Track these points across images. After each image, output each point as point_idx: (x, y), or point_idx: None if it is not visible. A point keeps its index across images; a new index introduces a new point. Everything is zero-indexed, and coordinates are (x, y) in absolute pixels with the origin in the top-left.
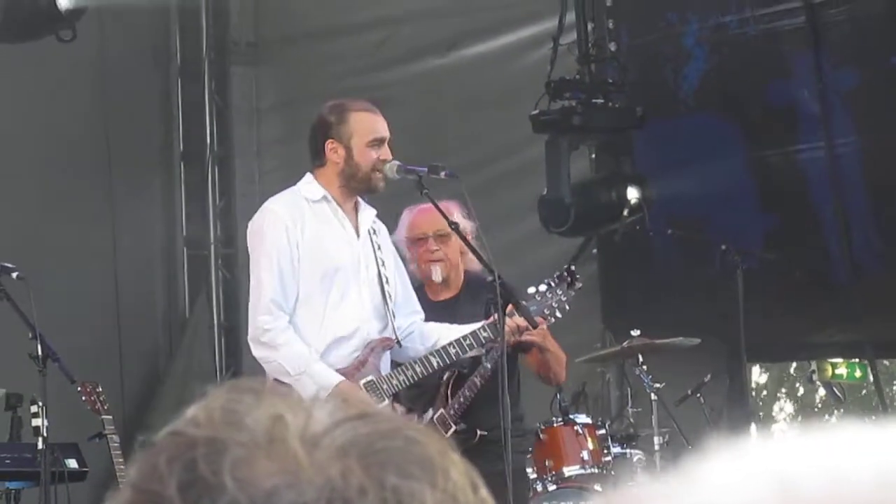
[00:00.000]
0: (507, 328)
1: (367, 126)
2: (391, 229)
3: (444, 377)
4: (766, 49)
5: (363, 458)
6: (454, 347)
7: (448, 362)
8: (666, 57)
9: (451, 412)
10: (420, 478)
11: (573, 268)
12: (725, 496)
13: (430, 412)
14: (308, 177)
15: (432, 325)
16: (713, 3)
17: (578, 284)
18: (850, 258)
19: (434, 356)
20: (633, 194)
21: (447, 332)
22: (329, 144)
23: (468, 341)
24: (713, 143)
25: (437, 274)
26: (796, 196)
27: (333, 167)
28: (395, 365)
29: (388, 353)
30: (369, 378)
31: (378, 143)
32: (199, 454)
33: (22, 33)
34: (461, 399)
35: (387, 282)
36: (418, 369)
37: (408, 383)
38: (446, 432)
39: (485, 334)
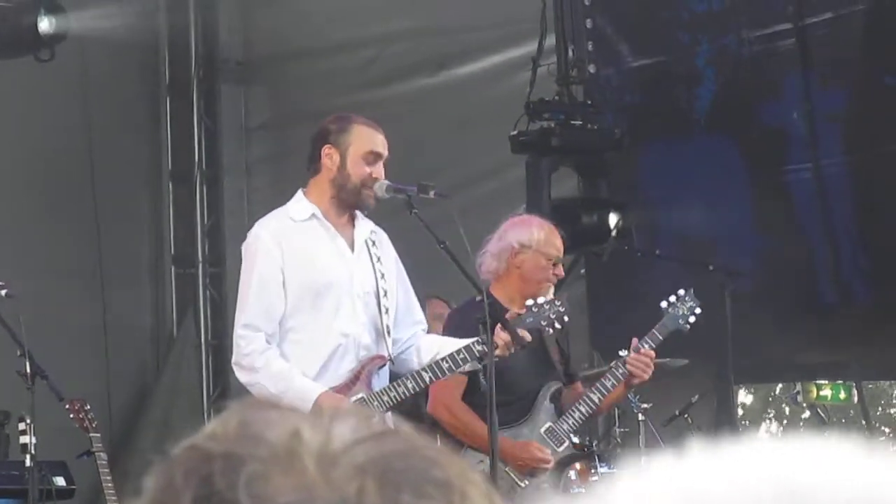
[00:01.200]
0: (502, 342)
1: (367, 138)
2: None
3: (542, 391)
4: (760, 70)
5: (379, 478)
6: (447, 362)
7: (440, 377)
8: (678, 78)
9: (565, 427)
10: (436, 498)
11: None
12: None
13: (540, 424)
14: (298, 195)
15: (432, 337)
16: (718, 25)
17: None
18: (837, 279)
19: (427, 371)
20: (613, 218)
21: (447, 346)
22: (326, 150)
23: (462, 355)
24: (715, 164)
25: (549, 292)
26: (786, 217)
27: (326, 174)
28: (392, 378)
29: (385, 369)
30: (360, 395)
31: (374, 157)
32: (215, 468)
33: (1, 52)
34: (576, 414)
35: (385, 295)
36: (410, 385)
37: (399, 400)
38: (559, 446)
39: (479, 348)
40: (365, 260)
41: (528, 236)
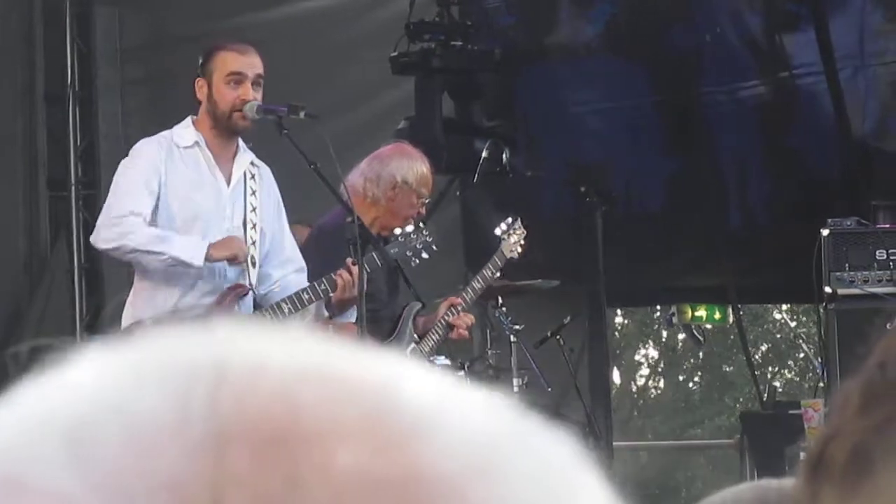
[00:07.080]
0: (341, 282)
1: (228, 62)
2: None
3: (405, 312)
4: None
5: None
6: (307, 294)
7: (300, 309)
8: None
9: (426, 349)
10: None
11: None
12: None
13: (405, 344)
14: (186, 121)
15: (302, 277)
16: None
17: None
18: (744, 204)
19: (286, 303)
20: (506, 154)
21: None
22: (198, 83)
23: (322, 286)
24: (617, 85)
25: (408, 227)
26: (697, 140)
27: (203, 106)
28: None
29: (248, 299)
30: None
31: (237, 78)
32: None
33: None
34: (435, 337)
35: (252, 227)
36: (268, 317)
37: None
38: None
39: (322, 287)
40: (239, 192)
41: (412, 172)
